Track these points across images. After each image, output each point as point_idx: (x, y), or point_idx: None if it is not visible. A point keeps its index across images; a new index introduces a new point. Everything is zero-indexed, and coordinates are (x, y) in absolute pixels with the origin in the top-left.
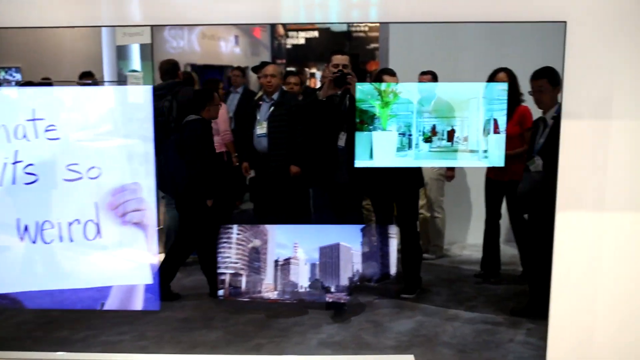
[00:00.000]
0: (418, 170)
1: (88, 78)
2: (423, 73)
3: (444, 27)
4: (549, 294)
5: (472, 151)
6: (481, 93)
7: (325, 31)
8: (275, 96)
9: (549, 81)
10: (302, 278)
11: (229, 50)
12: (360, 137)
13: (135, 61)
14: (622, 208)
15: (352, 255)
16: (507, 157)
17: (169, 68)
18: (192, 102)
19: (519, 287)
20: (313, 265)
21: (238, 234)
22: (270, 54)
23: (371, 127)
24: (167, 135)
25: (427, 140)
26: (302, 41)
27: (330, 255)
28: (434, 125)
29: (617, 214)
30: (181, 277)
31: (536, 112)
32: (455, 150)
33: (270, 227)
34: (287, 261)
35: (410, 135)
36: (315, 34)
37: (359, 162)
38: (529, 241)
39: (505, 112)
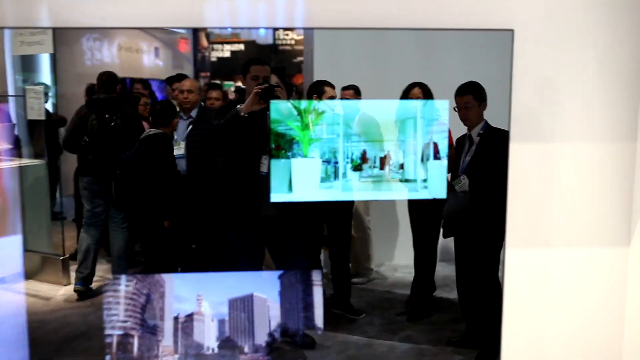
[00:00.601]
0: None
1: None
2: (345, 88)
3: (376, 36)
4: (486, 323)
5: (409, 181)
6: (419, 112)
7: (251, 44)
8: (193, 113)
9: (474, 97)
10: (208, 337)
11: (151, 63)
12: (276, 166)
13: (41, 73)
14: (570, 243)
15: (269, 307)
16: None
17: (107, 81)
18: (156, 116)
19: (453, 313)
20: (222, 322)
21: (127, 286)
22: (193, 67)
23: (289, 153)
24: (116, 152)
25: (357, 168)
26: (227, 54)
27: (242, 309)
28: (364, 151)
29: (566, 249)
30: None
31: (460, 129)
32: (390, 180)
33: (168, 277)
34: (189, 317)
35: (336, 162)
36: (241, 46)
37: (275, 196)
38: (460, 265)
39: (446, 134)
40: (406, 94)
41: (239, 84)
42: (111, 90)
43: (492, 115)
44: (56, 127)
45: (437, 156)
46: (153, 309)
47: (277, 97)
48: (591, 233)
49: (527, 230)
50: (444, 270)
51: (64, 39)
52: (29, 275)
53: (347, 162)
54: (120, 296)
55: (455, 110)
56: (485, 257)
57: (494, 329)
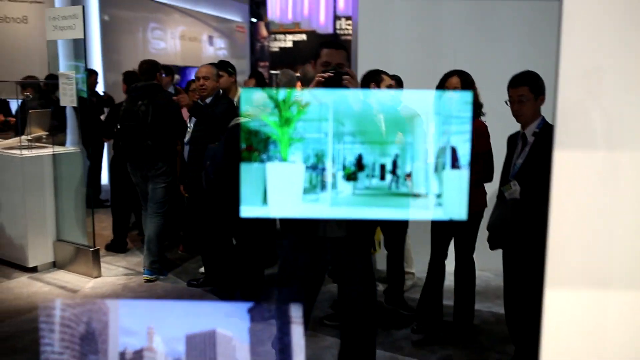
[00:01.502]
0: None
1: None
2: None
3: (421, 20)
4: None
5: (418, 195)
6: (432, 107)
7: (312, 34)
8: (208, 101)
9: (530, 89)
10: None
11: (209, 52)
12: (247, 172)
13: (92, 60)
14: (628, 285)
15: (235, 348)
16: None
17: (147, 69)
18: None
19: (500, 333)
20: None
21: (63, 312)
22: (249, 56)
23: (264, 156)
24: (145, 139)
25: (350, 177)
26: (288, 44)
27: (202, 348)
28: (359, 156)
29: (628, 291)
30: None
31: (512, 126)
32: (394, 194)
33: (112, 303)
34: (138, 354)
35: (324, 169)
36: (303, 36)
37: (245, 211)
38: (509, 281)
39: (469, 135)
40: (443, 84)
41: (298, 74)
42: (151, 77)
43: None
44: (101, 108)
45: (455, 164)
46: (94, 341)
47: (345, 88)
48: None
49: (575, 266)
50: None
51: (128, 27)
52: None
53: (339, 170)
54: (55, 324)
55: (507, 105)
56: (537, 273)
57: None
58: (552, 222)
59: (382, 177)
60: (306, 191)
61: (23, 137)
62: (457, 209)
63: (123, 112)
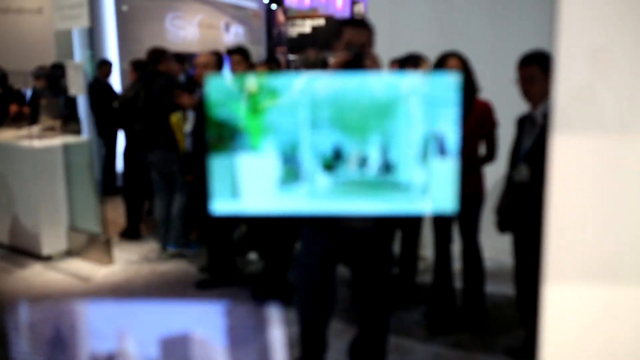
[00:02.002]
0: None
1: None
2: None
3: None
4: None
5: (402, 187)
6: (418, 88)
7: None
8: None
9: (540, 68)
10: None
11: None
12: (216, 164)
13: (107, 49)
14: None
15: (209, 352)
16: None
17: (153, 56)
18: None
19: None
20: None
21: (30, 315)
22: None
23: (233, 146)
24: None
25: (329, 168)
26: (306, 29)
27: (177, 352)
28: (338, 144)
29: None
30: None
31: (519, 106)
32: (376, 185)
33: (82, 306)
34: (109, 358)
35: (299, 161)
36: (321, 21)
37: (217, 206)
38: (519, 264)
39: (457, 120)
40: (439, 65)
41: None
42: (155, 64)
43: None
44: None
45: (443, 152)
46: (62, 345)
47: (367, 70)
48: None
49: (576, 260)
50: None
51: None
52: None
53: (316, 160)
54: (21, 327)
55: (517, 84)
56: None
57: None
58: (550, 213)
59: (364, 166)
60: (282, 183)
61: (35, 126)
62: (446, 200)
63: (121, 98)
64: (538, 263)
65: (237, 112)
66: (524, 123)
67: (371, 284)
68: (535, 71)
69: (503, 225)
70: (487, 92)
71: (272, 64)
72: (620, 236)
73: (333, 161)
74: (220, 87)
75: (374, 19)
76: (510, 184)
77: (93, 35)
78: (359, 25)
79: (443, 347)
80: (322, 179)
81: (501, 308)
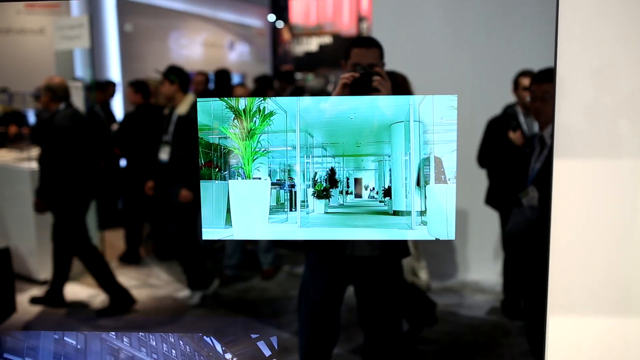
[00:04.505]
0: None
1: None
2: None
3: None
4: None
5: (399, 213)
6: (413, 113)
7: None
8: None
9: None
10: None
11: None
12: (207, 190)
13: (110, 71)
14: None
15: None
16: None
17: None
18: None
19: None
20: None
21: (28, 342)
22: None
23: (225, 172)
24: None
25: (322, 194)
26: (312, 47)
27: None
28: (332, 169)
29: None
30: None
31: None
32: (372, 212)
33: (80, 335)
34: None
35: (292, 186)
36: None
37: (207, 233)
38: (529, 292)
39: (455, 143)
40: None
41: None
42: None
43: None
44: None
45: (440, 178)
46: None
47: (376, 91)
48: None
49: (580, 287)
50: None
51: (149, 35)
52: None
53: (308, 186)
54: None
55: (526, 101)
56: None
57: None
58: (553, 236)
59: (358, 194)
60: (273, 211)
61: (34, 148)
62: (443, 227)
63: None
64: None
65: (230, 136)
66: (532, 144)
67: (377, 314)
68: (549, 89)
69: (510, 252)
70: (489, 109)
71: (261, 84)
72: (630, 261)
73: (327, 187)
74: (210, 110)
75: (378, 36)
76: (519, 207)
77: (95, 56)
78: (366, 44)
79: None
80: (316, 205)
81: (514, 336)
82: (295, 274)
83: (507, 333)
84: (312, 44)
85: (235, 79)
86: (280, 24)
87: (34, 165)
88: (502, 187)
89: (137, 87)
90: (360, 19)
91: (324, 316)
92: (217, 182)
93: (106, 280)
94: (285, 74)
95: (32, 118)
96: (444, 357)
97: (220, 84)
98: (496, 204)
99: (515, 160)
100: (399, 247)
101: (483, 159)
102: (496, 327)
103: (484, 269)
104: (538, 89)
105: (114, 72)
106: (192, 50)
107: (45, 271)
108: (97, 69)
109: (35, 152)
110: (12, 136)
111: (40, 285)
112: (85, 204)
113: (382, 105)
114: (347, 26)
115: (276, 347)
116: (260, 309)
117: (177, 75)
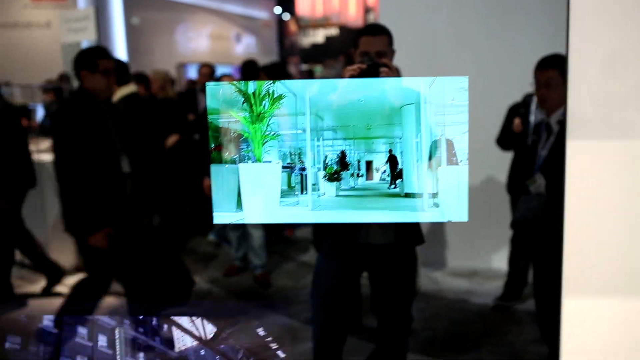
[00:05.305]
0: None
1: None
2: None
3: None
4: None
5: (410, 195)
6: (424, 95)
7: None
8: None
9: (560, 72)
10: None
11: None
12: (217, 174)
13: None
14: None
15: None
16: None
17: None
18: None
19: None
20: None
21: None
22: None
23: (235, 156)
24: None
25: (333, 177)
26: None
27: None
28: (342, 152)
29: None
30: None
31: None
32: (383, 195)
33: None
34: None
35: (303, 169)
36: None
37: (218, 216)
38: (538, 279)
39: (466, 125)
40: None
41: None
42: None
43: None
44: None
45: (452, 159)
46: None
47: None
48: None
49: (594, 271)
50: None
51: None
52: None
53: (319, 169)
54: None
55: (531, 87)
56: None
57: None
58: (567, 221)
59: (369, 176)
60: (284, 194)
61: (44, 141)
62: (455, 209)
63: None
64: (558, 276)
65: (239, 119)
66: (539, 131)
67: (391, 301)
68: (554, 76)
69: (518, 240)
70: (501, 97)
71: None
72: (637, 243)
73: (338, 170)
74: (219, 94)
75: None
76: (527, 195)
77: None
78: (375, 32)
79: None
80: (327, 188)
81: (524, 323)
82: (305, 262)
83: (517, 321)
84: (318, 36)
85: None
86: (286, 16)
87: (44, 157)
88: (514, 174)
89: (139, 80)
90: (367, 10)
91: (338, 303)
92: (227, 165)
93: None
94: (270, 67)
95: (40, 111)
96: (451, 345)
97: (248, 76)
98: (512, 191)
99: (518, 148)
100: (413, 235)
101: (502, 141)
102: (505, 315)
103: (495, 256)
104: (542, 75)
105: None
106: (199, 42)
107: (61, 261)
108: None
109: (45, 144)
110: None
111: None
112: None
113: (393, 87)
114: (353, 17)
115: (287, 334)
116: (271, 298)
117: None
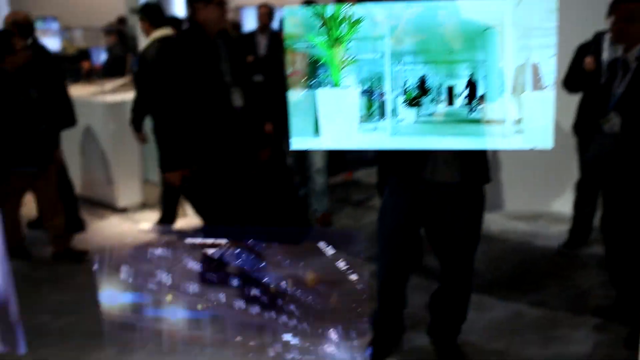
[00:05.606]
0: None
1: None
2: None
3: None
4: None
5: (492, 122)
6: (508, 17)
7: None
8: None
9: None
10: None
11: None
12: (296, 100)
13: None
14: None
15: None
16: None
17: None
18: None
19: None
20: None
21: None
22: None
23: (313, 81)
24: None
25: (413, 102)
26: None
27: None
28: (423, 77)
29: None
30: None
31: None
32: (464, 121)
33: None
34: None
35: (382, 94)
36: None
37: (296, 142)
38: (608, 221)
39: (554, 48)
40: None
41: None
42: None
43: None
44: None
45: (538, 85)
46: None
47: None
48: None
49: None
50: None
51: None
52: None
53: (399, 94)
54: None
55: (608, 23)
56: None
57: None
58: None
59: (451, 101)
60: (363, 120)
61: (107, 82)
62: (540, 135)
63: None
64: (630, 219)
65: (317, 44)
66: (614, 68)
67: (456, 239)
68: (636, 9)
69: (591, 180)
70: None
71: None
72: None
73: (418, 95)
74: (296, 18)
75: None
76: (600, 135)
77: None
78: None
79: (524, 305)
80: (407, 114)
81: (590, 267)
82: (365, 204)
83: (583, 265)
84: None
85: None
86: None
87: (108, 98)
88: (582, 114)
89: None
90: None
91: (403, 241)
92: (305, 91)
93: None
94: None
95: (101, 55)
96: (515, 287)
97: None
98: (579, 132)
99: (588, 88)
100: (480, 173)
101: (569, 83)
102: (571, 258)
103: (562, 199)
104: (625, 8)
105: (178, 6)
106: None
107: (124, 199)
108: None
109: (109, 85)
110: (85, 72)
111: (120, 213)
112: None
113: (476, 9)
114: None
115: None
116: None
117: (144, 13)
